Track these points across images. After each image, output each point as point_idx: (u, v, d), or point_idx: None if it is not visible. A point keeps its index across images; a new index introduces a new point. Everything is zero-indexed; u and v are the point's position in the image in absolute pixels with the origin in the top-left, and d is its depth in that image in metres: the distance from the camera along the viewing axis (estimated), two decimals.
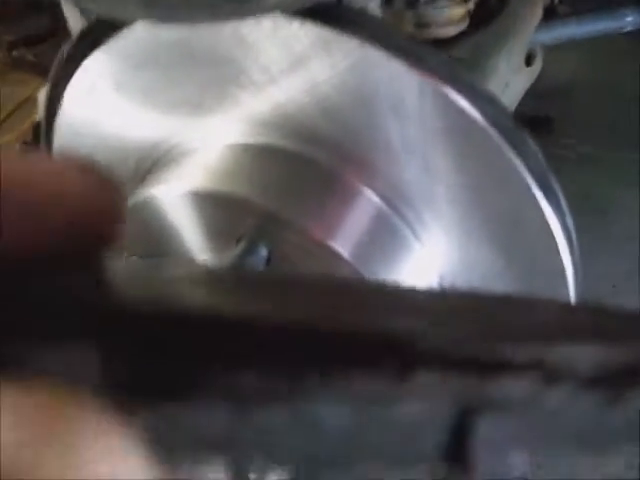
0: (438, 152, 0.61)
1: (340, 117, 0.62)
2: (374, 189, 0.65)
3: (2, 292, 0.15)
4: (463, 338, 0.18)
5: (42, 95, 0.87)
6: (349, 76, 0.60)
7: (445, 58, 0.61)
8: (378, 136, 0.62)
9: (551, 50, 1.15)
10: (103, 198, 0.19)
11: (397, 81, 0.59)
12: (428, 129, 0.60)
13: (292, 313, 0.17)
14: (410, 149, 0.62)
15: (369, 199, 0.65)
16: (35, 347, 0.15)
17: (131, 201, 0.69)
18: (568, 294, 0.64)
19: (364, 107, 0.61)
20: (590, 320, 0.20)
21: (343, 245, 0.62)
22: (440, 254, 0.67)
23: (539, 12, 1.07)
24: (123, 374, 0.15)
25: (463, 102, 0.58)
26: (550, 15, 1.13)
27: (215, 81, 0.65)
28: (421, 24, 0.93)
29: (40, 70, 1.53)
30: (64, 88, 0.75)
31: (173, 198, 0.66)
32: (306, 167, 0.65)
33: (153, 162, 0.73)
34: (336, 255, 0.62)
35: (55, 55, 0.74)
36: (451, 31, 0.94)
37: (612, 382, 0.18)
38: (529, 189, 0.60)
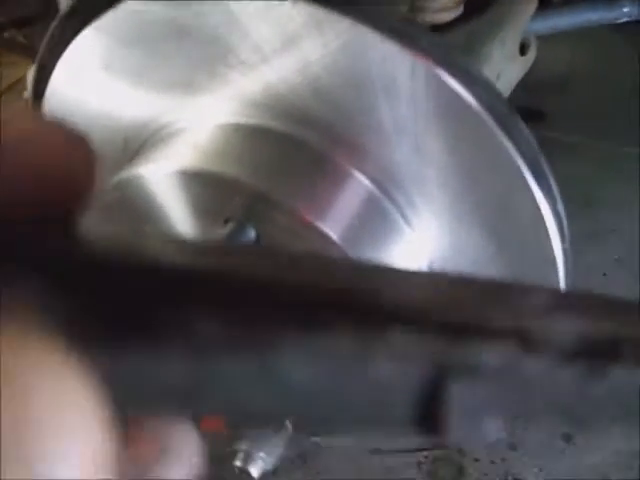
0: (430, 135, 0.60)
1: (331, 98, 0.62)
2: (365, 171, 0.64)
3: None
4: (440, 301, 0.18)
5: (30, 74, 0.86)
6: (341, 56, 0.59)
7: (438, 40, 0.60)
8: (369, 118, 0.61)
9: (546, 41, 1.14)
10: (75, 156, 0.19)
11: (389, 62, 0.58)
12: (420, 111, 0.59)
13: (261, 270, 0.16)
14: (401, 131, 0.61)
15: (359, 181, 0.64)
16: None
17: (119, 180, 0.68)
18: (558, 280, 0.64)
19: (356, 88, 0.60)
20: (576, 300, 0.20)
21: (332, 227, 0.62)
22: (430, 238, 0.66)
23: (534, 1, 1.07)
24: (84, 318, 0.15)
25: (456, 84, 0.58)
26: (545, 4, 1.12)
27: (205, 60, 0.65)
28: (415, 9, 0.92)
29: (31, 52, 1.51)
30: (52, 67, 0.74)
31: (161, 177, 0.66)
32: (296, 148, 0.64)
33: (142, 142, 0.73)
34: (325, 237, 0.61)
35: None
36: (445, 17, 0.93)
37: (594, 355, 0.18)
38: (521, 174, 0.60)
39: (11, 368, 0.12)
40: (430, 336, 0.17)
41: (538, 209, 0.61)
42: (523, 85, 1.06)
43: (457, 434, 0.17)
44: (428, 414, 0.17)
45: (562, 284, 0.65)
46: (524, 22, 1.04)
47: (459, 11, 0.96)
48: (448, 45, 0.61)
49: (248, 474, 0.71)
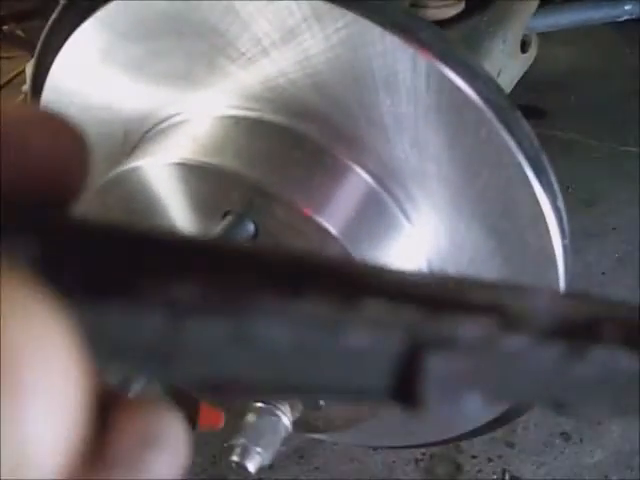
0: (430, 129, 0.60)
1: (331, 91, 0.61)
2: (364, 166, 0.64)
3: None
4: (419, 277, 0.18)
5: (29, 67, 0.86)
6: (342, 50, 0.59)
7: (440, 34, 0.60)
8: (369, 112, 0.61)
9: (547, 39, 1.14)
10: (68, 148, 0.19)
11: (390, 56, 0.58)
12: (420, 106, 0.59)
13: (242, 247, 0.17)
14: (402, 126, 0.61)
15: (359, 176, 0.64)
16: None
17: (118, 173, 0.68)
18: (558, 276, 0.64)
19: (356, 82, 0.60)
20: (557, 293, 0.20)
21: (331, 221, 0.61)
22: (430, 233, 0.66)
23: None
24: (71, 273, 0.15)
25: (457, 79, 0.57)
26: (547, 2, 1.12)
27: (205, 53, 0.64)
28: (417, 5, 0.92)
29: (30, 46, 1.51)
30: (51, 60, 0.74)
31: (161, 170, 0.65)
32: (296, 142, 0.64)
33: (142, 135, 0.72)
34: (324, 231, 0.61)
35: None
36: (447, 13, 0.93)
37: (574, 335, 0.18)
38: (521, 169, 0.59)
39: None
40: (406, 307, 0.17)
41: (538, 205, 0.60)
42: (523, 83, 1.06)
43: (434, 405, 0.17)
44: (404, 384, 0.17)
45: (562, 280, 0.64)
46: (525, 20, 1.04)
47: (460, 7, 0.96)
48: (450, 40, 0.61)
49: (245, 469, 0.71)
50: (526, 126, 0.60)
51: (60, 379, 0.14)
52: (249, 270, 0.16)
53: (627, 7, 1.09)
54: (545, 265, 0.64)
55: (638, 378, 0.18)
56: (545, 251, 0.63)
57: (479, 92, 0.58)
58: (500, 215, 0.63)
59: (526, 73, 1.07)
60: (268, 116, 0.65)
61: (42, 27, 0.74)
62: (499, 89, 0.61)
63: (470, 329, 0.17)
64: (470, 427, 0.82)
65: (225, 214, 0.63)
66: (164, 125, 0.70)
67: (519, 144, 0.59)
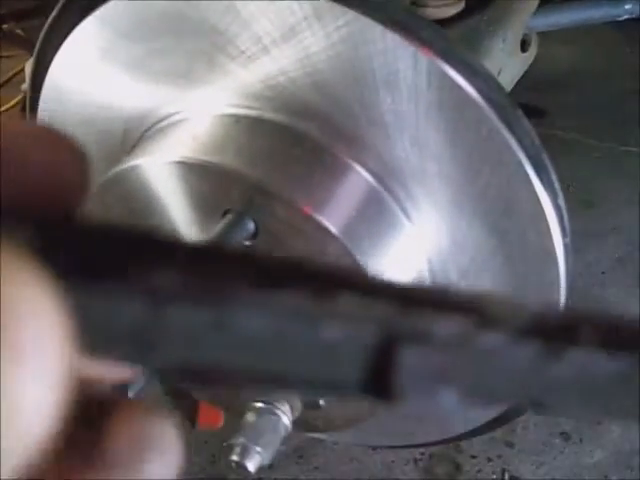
0: (431, 127, 0.60)
1: (332, 90, 0.61)
2: (364, 164, 0.64)
3: None
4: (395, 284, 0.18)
5: (29, 66, 0.86)
6: (343, 48, 0.59)
7: (441, 32, 0.60)
8: (370, 110, 0.61)
9: (547, 39, 1.14)
10: (68, 163, 0.20)
11: (391, 54, 0.58)
12: (421, 104, 0.59)
13: (226, 247, 0.18)
14: (402, 124, 0.61)
15: (359, 175, 0.64)
16: None
17: (118, 171, 0.67)
18: (558, 274, 0.64)
19: (356, 80, 0.60)
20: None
21: (331, 220, 0.61)
22: (430, 232, 0.66)
23: None
24: (63, 258, 0.16)
25: (458, 77, 0.57)
26: (547, 1, 1.12)
27: (205, 51, 0.64)
28: (417, 4, 0.92)
29: (29, 45, 1.51)
30: (51, 59, 0.73)
31: (160, 168, 0.65)
32: (296, 140, 0.64)
33: (141, 133, 0.72)
34: (324, 230, 0.61)
35: None
36: (447, 12, 0.93)
37: (551, 335, 0.18)
38: (522, 167, 0.59)
39: None
40: (381, 301, 0.17)
41: (539, 203, 0.60)
42: (523, 82, 1.06)
43: (408, 398, 0.18)
44: (379, 377, 0.17)
45: (562, 279, 0.64)
46: (525, 19, 1.04)
47: (460, 7, 0.96)
48: (450, 38, 0.61)
49: (245, 468, 0.71)
50: (527, 124, 0.60)
51: (52, 342, 0.15)
52: (231, 263, 0.17)
53: (627, 6, 1.09)
54: (546, 263, 0.64)
55: (615, 380, 0.18)
56: (546, 249, 0.63)
57: (480, 90, 0.58)
58: (501, 213, 0.63)
59: (526, 72, 1.07)
60: (268, 114, 0.64)
61: (42, 26, 0.74)
62: (500, 87, 0.61)
63: (446, 325, 0.17)
64: (469, 427, 0.82)
65: (225, 213, 0.63)
66: (164, 124, 0.70)
67: (520, 142, 0.59)
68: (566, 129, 1.69)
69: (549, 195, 0.60)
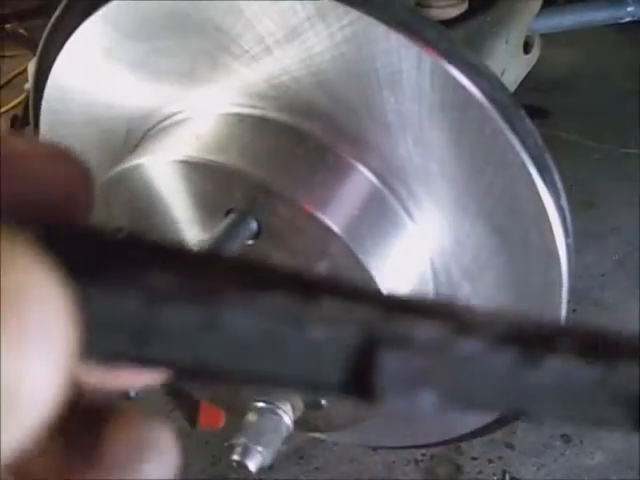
0: (434, 127, 0.60)
1: (335, 90, 0.61)
2: (367, 164, 0.64)
3: None
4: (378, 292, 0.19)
5: (32, 65, 0.86)
6: (346, 48, 0.59)
7: (445, 33, 0.60)
8: (373, 110, 0.61)
9: (549, 40, 1.14)
10: (73, 183, 0.20)
11: (395, 54, 0.58)
12: (424, 104, 0.59)
13: (219, 254, 0.18)
14: (405, 124, 0.61)
15: (362, 174, 0.64)
16: None
17: (121, 170, 0.67)
18: (561, 274, 0.64)
19: (360, 80, 0.60)
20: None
21: (334, 219, 0.61)
22: (433, 232, 0.66)
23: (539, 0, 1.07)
24: (67, 257, 0.17)
25: (462, 77, 0.57)
26: (549, 3, 1.12)
27: (208, 50, 0.64)
28: (421, 5, 0.92)
29: (32, 45, 1.51)
30: (54, 58, 0.74)
31: (163, 168, 0.65)
32: (299, 140, 0.64)
33: (144, 132, 0.72)
34: (327, 229, 0.61)
35: None
36: (450, 13, 0.93)
37: (529, 343, 0.18)
38: (525, 167, 0.59)
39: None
40: (364, 305, 0.18)
41: (542, 203, 0.60)
42: (526, 83, 1.07)
43: (388, 399, 0.18)
44: (360, 377, 0.18)
45: (565, 279, 0.64)
46: (528, 20, 1.04)
47: (464, 8, 0.96)
48: (454, 38, 0.61)
49: (246, 468, 0.71)
50: (530, 125, 0.60)
51: (57, 327, 0.15)
52: (224, 267, 0.18)
53: (629, 9, 1.09)
54: (548, 263, 0.64)
55: (592, 388, 0.18)
56: (548, 250, 0.63)
57: (483, 90, 0.58)
58: (504, 213, 0.63)
59: (529, 74, 1.07)
60: (272, 114, 0.64)
61: (45, 25, 0.74)
62: (503, 88, 0.61)
63: (425, 330, 0.18)
64: (470, 428, 0.82)
65: (228, 212, 0.63)
66: (167, 123, 0.70)
67: (523, 142, 0.59)
68: (567, 131, 1.69)
69: (552, 196, 0.60)
